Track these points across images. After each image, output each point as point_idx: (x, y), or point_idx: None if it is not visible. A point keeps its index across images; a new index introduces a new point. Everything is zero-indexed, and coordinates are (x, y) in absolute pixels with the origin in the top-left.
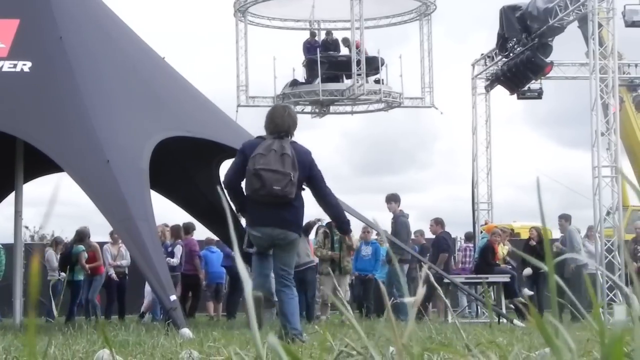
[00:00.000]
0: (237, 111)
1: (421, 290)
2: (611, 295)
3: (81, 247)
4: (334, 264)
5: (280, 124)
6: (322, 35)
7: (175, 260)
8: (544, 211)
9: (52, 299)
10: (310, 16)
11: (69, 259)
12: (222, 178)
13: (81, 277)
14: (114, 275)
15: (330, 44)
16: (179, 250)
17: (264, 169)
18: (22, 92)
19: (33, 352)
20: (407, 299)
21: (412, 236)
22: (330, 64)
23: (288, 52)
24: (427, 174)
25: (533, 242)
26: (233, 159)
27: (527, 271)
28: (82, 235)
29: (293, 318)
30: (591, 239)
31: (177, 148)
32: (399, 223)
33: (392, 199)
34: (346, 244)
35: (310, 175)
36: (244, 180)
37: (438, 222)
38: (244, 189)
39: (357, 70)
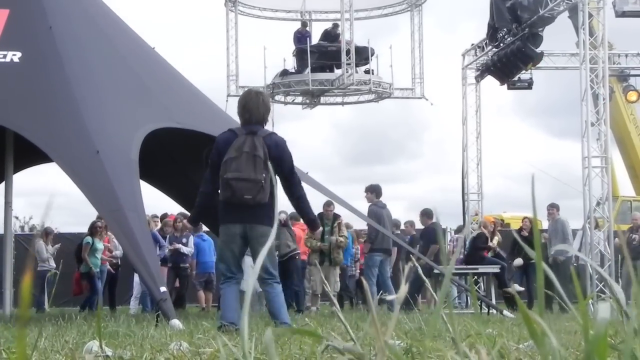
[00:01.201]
0: (227, 101)
1: (404, 288)
2: (600, 285)
3: (88, 239)
4: (323, 255)
5: (255, 113)
6: (314, 26)
7: (189, 250)
8: (532, 201)
9: (44, 290)
10: (302, 7)
11: (79, 252)
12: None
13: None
14: (108, 267)
15: (332, 37)
16: (192, 240)
17: (234, 179)
18: (12, 83)
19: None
20: (374, 290)
21: (402, 226)
22: (320, 54)
23: (279, 42)
24: (416, 165)
25: (525, 233)
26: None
27: (518, 261)
28: (90, 228)
29: (280, 314)
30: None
31: (167, 138)
32: (369, 212)
33: (369, 190)
34: (311, 240)
35: (280, 167)
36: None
37: (425, 214)
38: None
39: (347, 60)
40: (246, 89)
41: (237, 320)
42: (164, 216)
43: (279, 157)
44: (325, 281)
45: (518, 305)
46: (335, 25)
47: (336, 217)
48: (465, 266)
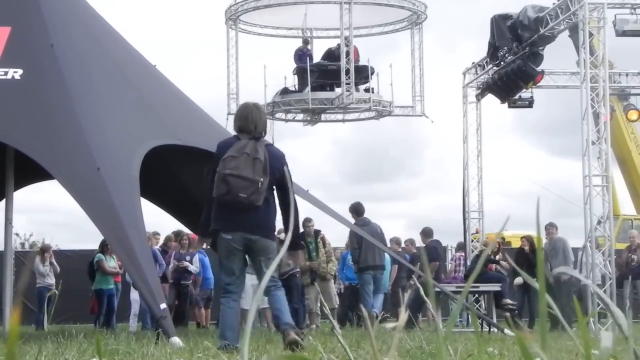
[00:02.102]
0: (227, 119)
1: (404, 316)
2: (602, 304)
3: (99, 255)
4: (314, 274)
5: (257, 123)
6: (315, 43)
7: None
8: (536, 221)
9: (42, 308)
10: (303, 24)
11: (92, 269)
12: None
13: (103, 287)
14: None
15: (336, 57)
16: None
17: (231, 175)
18: (13, 100)
19: None
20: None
21: (403, 244)
22: (320, 73)
23: (280, 60)
24: (417, 182)
25: (527, 249)
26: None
27: (518, 280)
28: (101, 246)
29: (281, 314)
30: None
31: (168, 155)
32: (349, 233)
33: (349, 210)
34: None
35: (279, 182)
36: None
37: (425, 233)
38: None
39: (347, 79)
40: (242, 103)
41: (236, 340)
42: (178, 234)
43: (280, 166)
44: (322, 299)
45: (512, 327)
46: (339, 46)
47: (317, 233)
48: (465, 284)
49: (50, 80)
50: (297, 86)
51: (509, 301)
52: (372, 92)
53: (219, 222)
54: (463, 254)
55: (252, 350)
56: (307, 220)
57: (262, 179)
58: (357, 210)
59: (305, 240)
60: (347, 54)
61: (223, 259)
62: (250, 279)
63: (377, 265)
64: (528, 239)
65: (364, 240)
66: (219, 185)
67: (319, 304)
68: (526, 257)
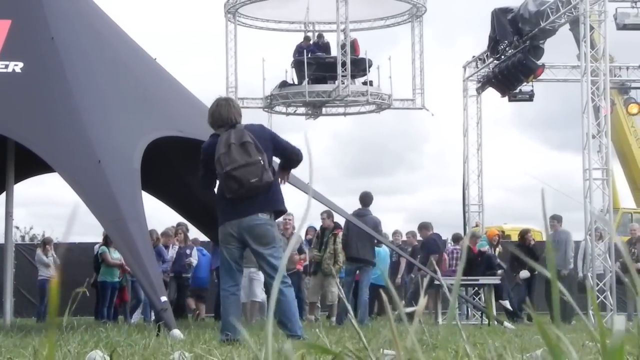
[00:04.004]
0: None
1: (422, 301)
2: (601, 297)
3: (103, 248)
4: (318, 266)
5: (227, 117)
6: (316, 37)
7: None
8: (536, 213)
9: (44, 300)
10: (305, 18)
11: (97, 262)
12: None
13: (107, 279)
14: None
15: (321, 47)
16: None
17: (233, 169)
18: (14, 93)
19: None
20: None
21: (404, 237)
22: (317, 66)
23: (279, 54)
24: (416, 176)
25: (532, 242)
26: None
27: (524, 274)
28: (105, 238)
29: (291, 323)
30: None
31: (168, 148)
32: None
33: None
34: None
35: (276, 147)
36: (218, 183)
37: (423, 227)
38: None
39: (343, 72)
40: (214, 100)
41: (237, 333)
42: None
43: (270, 138)
44: (333, 293)
45: (534, 319)
46: (320, 35)
47: (336, 226)
48: (465, 277)
49: (50, 73)
50: (295, 79)
51: (506, 305)
52: (371, 84)
53: (225, 214)
54: (458, 247)
55: (254, 343)
56: (326, 215)
57: (260, 157)
58: (363, 200)
59: (322, 232)
60: (343, 46)
61: (221, 250)
62: (246, 272)
63: (359, 258)
64: (524, 232)
65: (349, 232)
66: (228, 185)
67: (315, 297)
68: (526, 250)
